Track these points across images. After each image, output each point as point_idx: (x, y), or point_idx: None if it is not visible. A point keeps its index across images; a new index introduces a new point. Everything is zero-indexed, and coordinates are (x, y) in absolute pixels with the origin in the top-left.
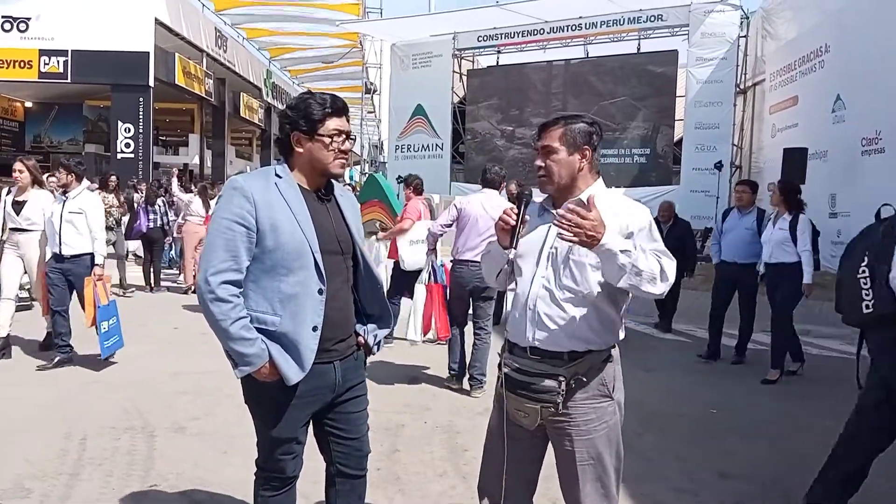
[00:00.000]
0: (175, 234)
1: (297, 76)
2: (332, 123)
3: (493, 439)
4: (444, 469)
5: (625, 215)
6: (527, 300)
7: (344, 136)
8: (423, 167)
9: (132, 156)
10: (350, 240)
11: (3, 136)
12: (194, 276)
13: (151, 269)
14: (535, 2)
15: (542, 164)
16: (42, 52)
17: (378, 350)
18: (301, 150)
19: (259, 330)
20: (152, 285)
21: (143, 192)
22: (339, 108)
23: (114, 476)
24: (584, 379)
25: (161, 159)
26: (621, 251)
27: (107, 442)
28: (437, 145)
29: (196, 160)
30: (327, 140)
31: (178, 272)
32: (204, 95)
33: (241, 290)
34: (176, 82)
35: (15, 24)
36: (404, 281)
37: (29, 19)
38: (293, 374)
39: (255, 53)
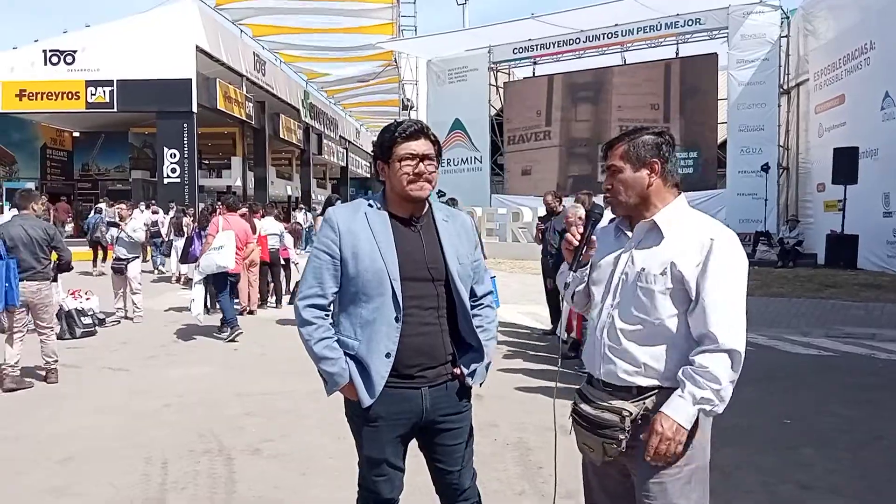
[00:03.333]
0: None
1: (333, 96)
2: (403, 148)
3: (586, 472)
4: (521, 488)
5: (695, 247)
6: (595, 329)
7: (417, 159)
8: (463, 180)
9: (178, 180)
10: (444, 267)
11: (52, 165)
12: (248, 298)
13: (207, 293)
14: (571, 12)
15: (609, 186)
16: (88, 83)
17: (474, 382)
18: (384, 177)
19: (345, 353)
20: (208, 308)
21: (195, 216)
22: (412, 132)
23: (198, 499)
24: (651, 415)
25: (205, 182)
26: (701, 409)
27: (187, 465)
28: (475, 158)
29: (239, 182)
30: (398, 165)
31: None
32: (245, 119)
33: (328, 312)
34: (218, 107)
35: (62, 58)
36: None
37: (75, 52)
38: (365, 397)
39: (293, 76)
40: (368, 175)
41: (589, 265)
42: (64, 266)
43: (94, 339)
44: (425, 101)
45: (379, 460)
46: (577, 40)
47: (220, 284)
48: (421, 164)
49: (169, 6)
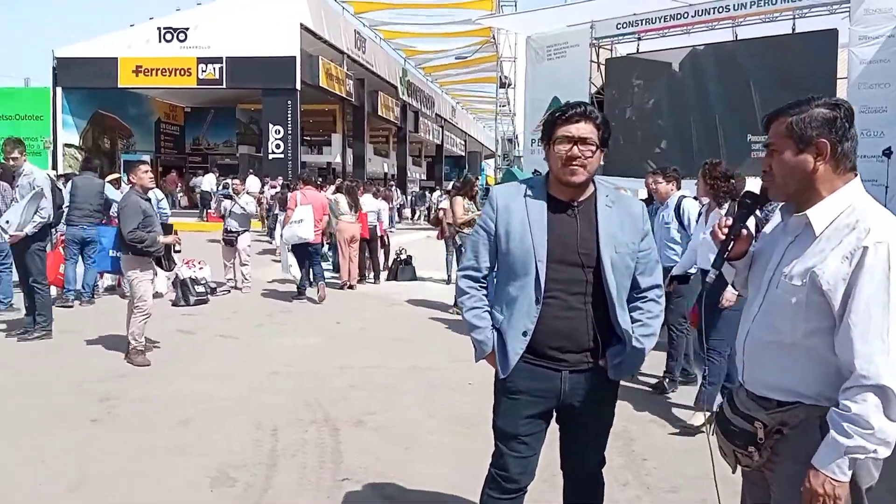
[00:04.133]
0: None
1: (431, 73)
2: (561, 130)
3: (743, 476)
4: (626, 478)
5: (845, 253)
6: (742, 330)
7: (571, 142)
8: None
9: (282, 156)
10: (595, 253)
11: (166, 139)
12: (348, 274)
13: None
14: None
15: (767, 168)
16: (200, 60)
17: (616, 375)
18: (547, 160)
19: (493, 325)
20: (311, 281)
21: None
22: (570, 115)
23: (308, 468)
24: (788, 433)
25: (307, 158)
26: (854, 458)
27: (296, 434)
28: None
29: (338, 158)
30: (555, 148)
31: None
32: (345, 96)
33: (482, 284)
34: (320, 84)
35: (175, 35)
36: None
37: (187, 29)
38: (502, 369)
39: (392, 53)
40: (463, 153)
41: (747, 259)
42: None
43: (206, 307)
44: (523, 79)
45: (511, 434)
46: (686, 14)
47: (303, 254)
48: (575, 147)
49: None
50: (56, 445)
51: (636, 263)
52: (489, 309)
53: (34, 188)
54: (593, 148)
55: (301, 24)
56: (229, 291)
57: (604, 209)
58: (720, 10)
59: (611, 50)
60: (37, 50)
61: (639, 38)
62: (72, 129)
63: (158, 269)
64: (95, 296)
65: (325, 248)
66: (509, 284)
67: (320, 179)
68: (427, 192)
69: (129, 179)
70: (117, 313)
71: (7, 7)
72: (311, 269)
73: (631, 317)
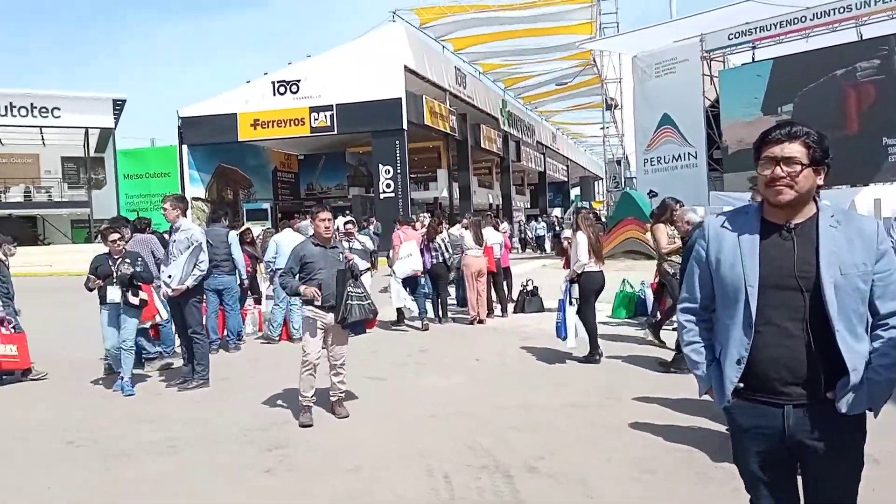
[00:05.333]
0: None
1: (530, 102)
2: (764, 152)
3: None
4: None
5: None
6: None
7: (774, 163)
8: (676, 178)
9: (392, 195)
10: (815, 276)
11: (282, 186)
12: (477, 308)
13: (439, 302)
14: None
15: (785, 174)
16: (312, 109)
17: (850, 410)
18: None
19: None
20: (440, 317)
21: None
22: (774, 136)
23: None
24: None
25: (415, 195)
26: None
27: (469, 481)
28: (689, 154)
29: (444, 193)
30: (760, 171)
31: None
32: (449, 132)
33: (700, 317)
34: (425, 122)
35: (288, 87)
36: None
37: (299, 81)
38: (718, 399)
39: (491, 85)
40: (566, 179)
41: None
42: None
43: (345, 348)
44: (631, 99)
45: (747, 472)
46: (803, 18)
47: (413, 285)
48: (778, 168)
49: (378, 31)
50: (243, 498)
51: (872, 287)
52: (709, 342)
53: (192, 243)
54: (798, 167)
55: (405, 67)
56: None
57: (827, 229)
58: (842, 9)
59: (723, 61)
60: (159, 111)
61: (753, 47)
62: (198, 183)
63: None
64: (241, 341)
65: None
66: (724, 313)
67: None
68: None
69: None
70: (265, 358)
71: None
72: (438, 299)
73: (871, 345)
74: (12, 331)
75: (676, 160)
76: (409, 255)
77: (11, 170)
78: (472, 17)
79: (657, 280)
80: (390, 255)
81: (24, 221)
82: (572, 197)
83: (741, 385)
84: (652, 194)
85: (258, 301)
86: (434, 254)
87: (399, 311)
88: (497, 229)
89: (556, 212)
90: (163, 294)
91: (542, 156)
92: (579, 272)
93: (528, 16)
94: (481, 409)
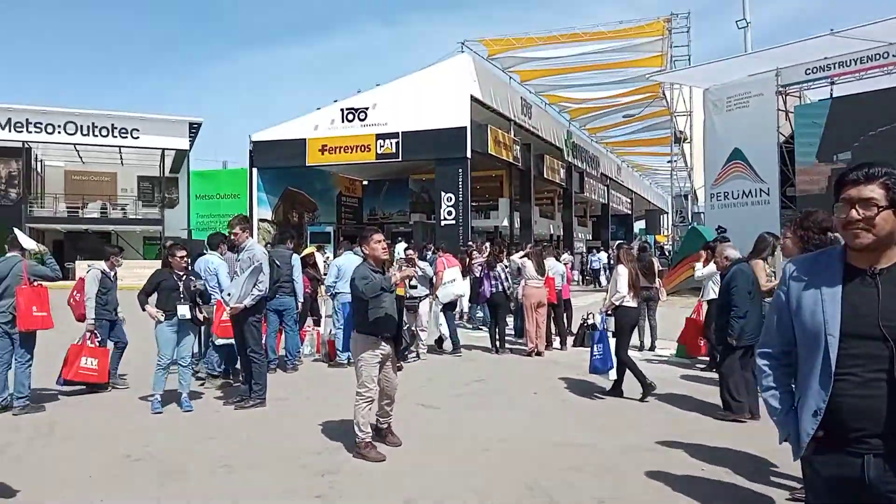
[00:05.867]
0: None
1: (595, 133)
2: (842, 194)
3: None
4: None
5: None
6: None
7: (850, 205)
8: (746, 214)
9: (453, 222)
10: None
11: (346, 211)
12: (535, 339)
13: (497, 332)
14: (878, 24)
15: (863, 217)
16: (378, 136)
17: None
18: None
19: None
20: (497, 348)
21: (483, 256)
22: (850, 177)
23: None
24: None
25: (475, 224)
26: None
27: None
28: (760, 190)
29: (505, 222)
30: (838, 213)
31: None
32: (512, 161)
33: (779, 362)
34: (488, 152)
35: (356, 115)
36: None
37: (367, 109)
38: (794, 451)
39: (556, 116)
40: (629, 212)
41: None
42: None
43: (399, 374)
44: (700, 132)
45: None
46: (885, 55)
47: (451, 308)
48: (853, 210)
49: (446, 61)
50: None
51: None
52: (789, 388)
53: (253, 263)
54: (875, 210)
55: (471, 96)
56: (418, 357)
57: None
58: None
59: (799, 97)
60: (232, 135)
61: (832, 83)
62: (265, 205)
63: None
64: (298, 361)
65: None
66: (804, 361)
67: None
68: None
69: (361, 250)
70: (321, 379)
71: (209, 99)
72: (496, 328)
73: None
74: (96, 345)
75: (747, 196)
76: (452, 281)
77: (90, 187)
78: (540, 54)
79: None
80: (433, 281)
81: (100, 236)
82: (636, 230)
83: (820, 433)
84: (720, 230)
85: (317, 322)
86: (494, 282)
87: (440, 337)
88: (559, 260)
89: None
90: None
91: (605, 188)
92: (616, 304)
93: (598, 49)
94: (540, 446)
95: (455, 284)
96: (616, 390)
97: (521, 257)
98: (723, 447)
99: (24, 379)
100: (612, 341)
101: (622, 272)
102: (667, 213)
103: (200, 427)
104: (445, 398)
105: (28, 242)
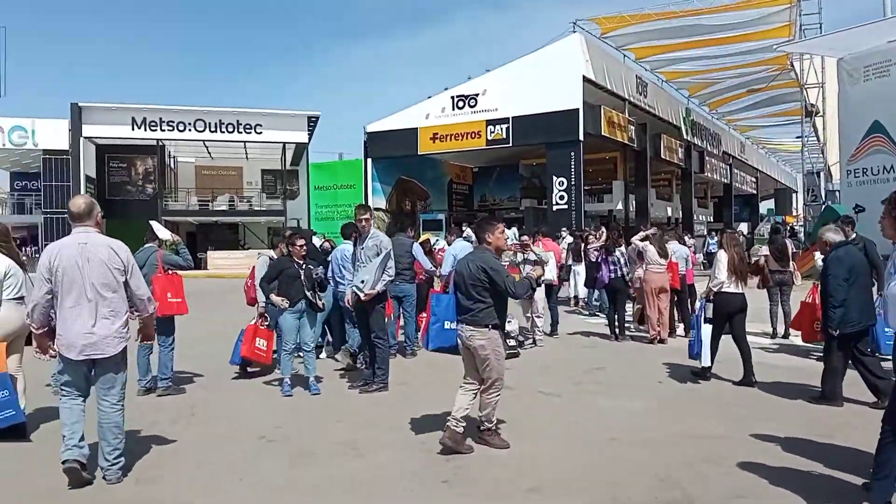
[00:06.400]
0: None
1: (716, 109)
2: None
3: None
4: None
5: None
6: None
7: None
8: (884, 193)
9: (566, 207)
10: None
11: (457, 198)
12: (658, 327)
13: (616, 318)
14: None
15: None
16: (489, 123)
17: None
18: None
19: None
20: (617, 335)
21: (601, 240)
22: None
23: None
24: None
25: (588, 208)
26: None
27: None
28: None
29: (619, 206)
30: None
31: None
32: (626, 142)
33: None
34: (602, 133)
35: (467, 102)
36: None
37: (477, 95)
38: None
39: (674, 93)
40: (754, 191)
41: None
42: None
43: (517, 361)
44: (834, 105)
45: None
46: None
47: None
48: None
49: (557, 42)
50: None
51: None
52: None
53: (381, 250)
54: None
55: (583, 77)
56: (535, 344)
57: None
58: None
59: None
60: (347, 127)
61: None
62: (380, 194)
63: None
64: (417, 347)
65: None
66: None
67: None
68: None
69: (485, 238)
70: (440, 365)
71: (325, 93)
72: (615, 315)
73: None
74: (266, 328)
75: (888, 172)
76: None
77: (219, 181)
78: (656, 26)
79: None
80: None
81: (228, 228)
82: (763, 211)
83: None
84: (858, 209)
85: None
86: (613, 267)
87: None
88: (683, 242)
89: (743, 227)
90: (347, 301)
91: (727, 167)
92: (715, 290)
93: (720, 23)
94: (669, 437)
95: (547, 267)
96: (745, 379)
97: (640, 240)
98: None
99: (167, 361)
100: (706, 328)
101: (721, 258)
102: (797, 191)
103: (328, 410)
104: (565, 386)
105: (163, 233)
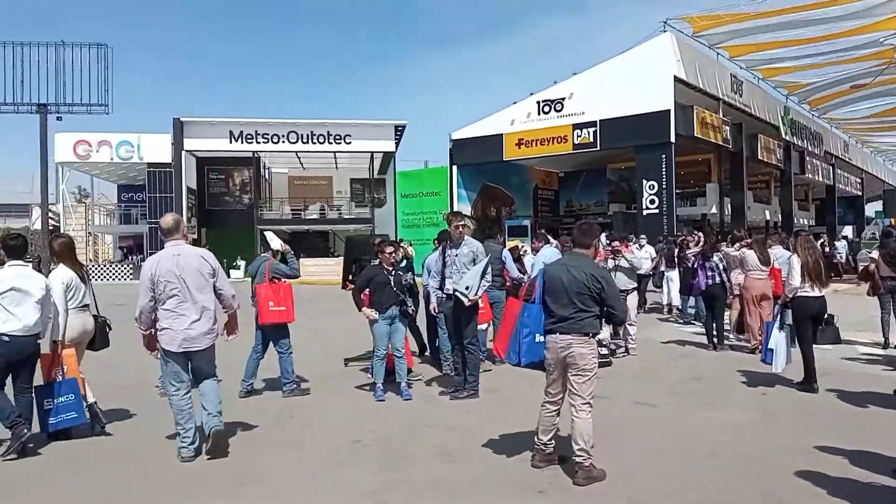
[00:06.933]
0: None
1: (817, 106)
2: None
3: None
4: None
5: None
6: None
7: None
8: None
9: (657, 211)
10: None
11: (542, 204)
12: (759, 335)
13: (714, 326)
14: None
15: None
16: (575, 127)
17: None
18: None
19: None
20: (715, 344)
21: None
22: None
23: None
24: None
25: (681, 212)
26: None
27: None
28: None
29: (714, 209)
30: None
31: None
32: (721, 143)
33: None
34: (695, 135)
35: (552, 106)
36: None
37: (563, 99)
38: None
39: (771, 91)
40: (859, 193)
41: None
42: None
43: (609, 369)
44: None
45: None
46: None
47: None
48: None
49: (646, 43)
50: None
51: None
52: None
53: (477, 256)
54: None
55: (675, 77)
56: (627, 353)
57: None
58: None
59: None
60: (432, 135)
61: None
62: (465, 201)
63: None
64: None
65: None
66: None
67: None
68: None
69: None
70: (529, 373)
71: (408, 102)
72: (713, 323)
73: None
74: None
75: None
76: None
77: (310, 190)
78: (752, 24)
79: None
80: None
81: (318, 236)
82: (870, 213)
83: None
84: None
85: None
86: (710, 273)
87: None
88: (787, 247)
89: (847, 230)
90: (433, 308)
91: (830, 167)
92: (790, 296)
93: (820, 18)
94: (773, 451)
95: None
96: (804, 385)
97: (738, 248)
98: None
99: (287, 366)
100: (779, 334)
101: (795, 263)
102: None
103: (419, 415)
104: (662, 396)
105: (274, 243)
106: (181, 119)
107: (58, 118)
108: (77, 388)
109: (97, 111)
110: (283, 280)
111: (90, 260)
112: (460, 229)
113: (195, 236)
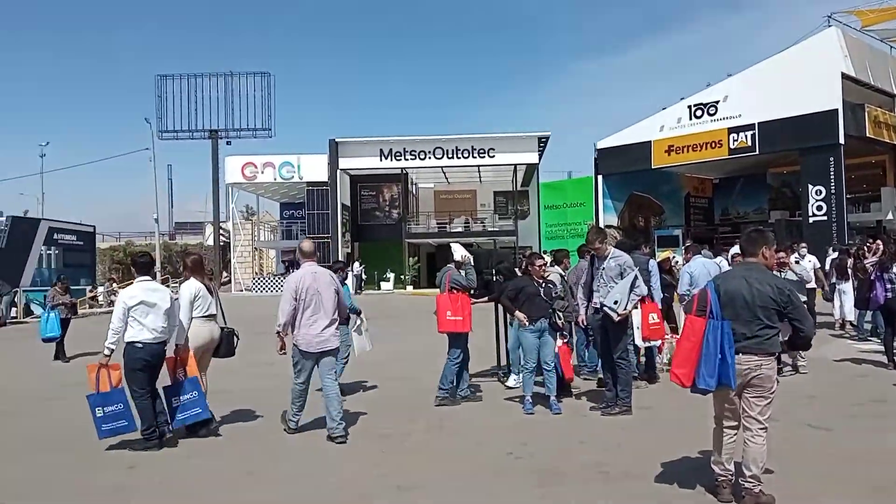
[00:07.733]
0: None
1: None
2: None
3: None
4: None
5: None
6: None
7: None
8: None
9: (825, 218)
10: None
11: (695, 212)
12: None
13: (894, 343)
14: None
15: None
16: (731, 130)
17: None
18: None
19: None
20: (895, 361)
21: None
22: None
23: None
24: None
25: (851, 218)
26: None
27: None
28: None
29: (890, 215)
30: None
31: None
32: None
33: None
34: (866, 135)
35: (705, 110)
36: None
37: (717, 102)
38: None
39: None
40: None
41: None
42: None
43: (778, 390)
44: None
45: None
46: None
47: None
48: None
49: (809, 39)
50: None
51: None
52: None
53: (625, 269)
54: None
55: (842, 74)
56: (796, 371)
57: None
58: None
59: None
60: (575, 144)
61: None
62: (611, 211)
63: None
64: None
65: None
66: None
67: None
68: None
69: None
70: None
71: (552, 112)
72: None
73: None
74: None
75: None
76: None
77: (455, 204)
78: None
79: None
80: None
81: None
82: None
83: None
84: None
85: (675, 330)
86: (889, 286)
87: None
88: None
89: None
90: (581, 320)
91: None
92: None
93: None
94: None
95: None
96: None
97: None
98: None
99: (448, 374)
100: None
101: None
102: None
103: (571, 430)
104: (837, 419)
105: (457, 254)
106: (336, 140)
107: (227, 143)
108: (199, 385)
109: (262, 135)
110: (460, 291)
111: (256, 273)
112: (600, 245)
113: (349, 250)
